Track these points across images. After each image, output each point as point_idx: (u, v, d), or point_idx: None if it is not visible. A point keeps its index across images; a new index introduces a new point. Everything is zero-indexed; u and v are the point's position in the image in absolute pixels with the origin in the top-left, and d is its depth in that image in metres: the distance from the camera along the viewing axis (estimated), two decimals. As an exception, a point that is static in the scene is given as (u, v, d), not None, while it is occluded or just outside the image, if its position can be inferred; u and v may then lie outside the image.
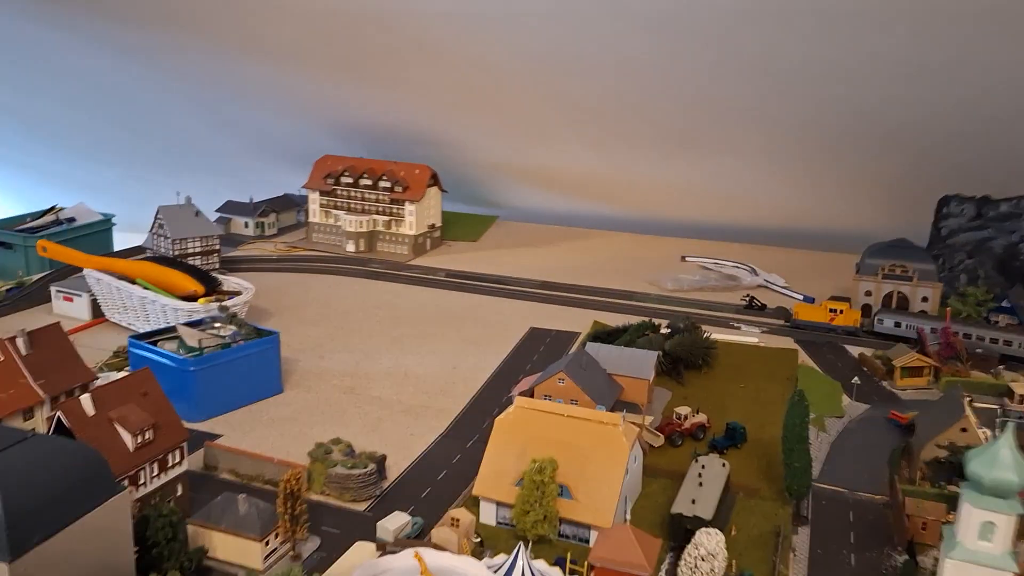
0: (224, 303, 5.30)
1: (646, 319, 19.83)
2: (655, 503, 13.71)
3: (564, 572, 11.35)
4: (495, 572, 9.60)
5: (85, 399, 4.42)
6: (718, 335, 21.14)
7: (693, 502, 12.87)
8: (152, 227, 5.72)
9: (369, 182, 7.27)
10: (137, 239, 6.98)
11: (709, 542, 11.73)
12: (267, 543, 5.87)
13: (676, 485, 13.62)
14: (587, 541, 12.68)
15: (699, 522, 12.42)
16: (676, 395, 17.81)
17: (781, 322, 24.06)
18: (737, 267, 26.86)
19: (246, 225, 6.99)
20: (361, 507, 4.69)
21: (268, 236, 7.18)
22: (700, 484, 13.47)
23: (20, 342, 3.97)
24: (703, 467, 14.02)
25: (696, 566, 11.26)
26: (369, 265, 6.43)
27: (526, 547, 10.15)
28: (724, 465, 14.30)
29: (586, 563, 11.86)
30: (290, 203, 7.82)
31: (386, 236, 6.99)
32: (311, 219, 7.20)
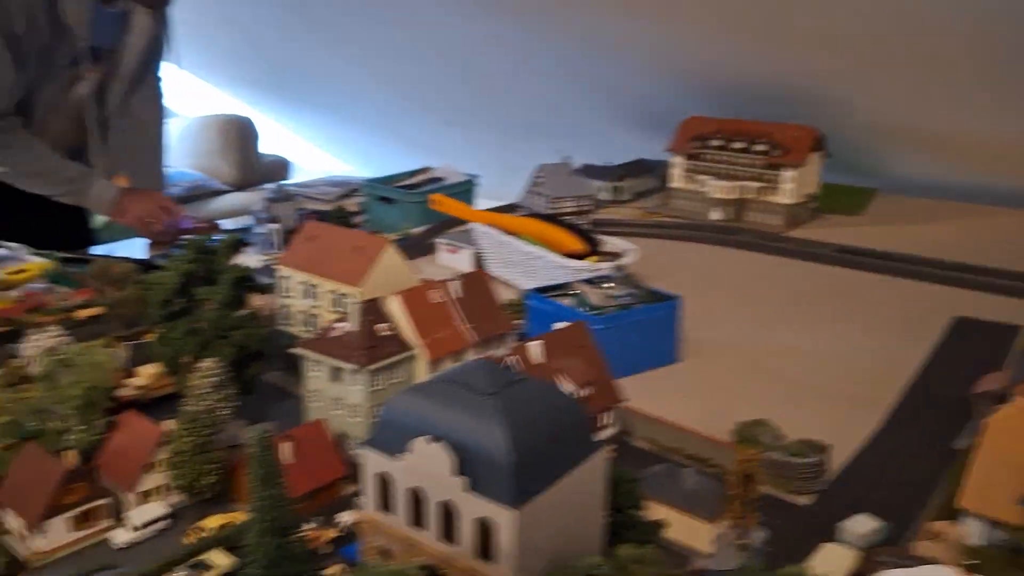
0: (619, 263, 3.45)
1: None
2: None
3: None
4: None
5: (535, 346, 2.04)
6: None
7: None
8: (530, 184, 4.49)
9: (742, 145, 5.16)
10: (486, 203, 5.61)
11: None
12: (717, 525, 2.65)
13: None
14: None
15: None
16: None
17: None
18: None
19: (602, 189, 5.59)
20: (801, 500, 2.06)
21: (624, 201, 5.58)
22: None
23: (454, 286, 2.26)
24: None
25: None
26: (738, 234, 4.48)
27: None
28: None
29: None
30: (645, 168, 6.15)
31: (757, 204, 4.88)
32: (672, 184, 5.40)
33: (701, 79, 5.22)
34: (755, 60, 4.92)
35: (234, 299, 2.10)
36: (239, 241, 2.13)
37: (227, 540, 1.67)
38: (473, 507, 1.32)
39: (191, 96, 7.60)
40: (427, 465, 1.35)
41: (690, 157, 4.69)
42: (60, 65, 3.47)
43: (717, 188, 4.52)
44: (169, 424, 1.81)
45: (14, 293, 3.19)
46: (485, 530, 1.32)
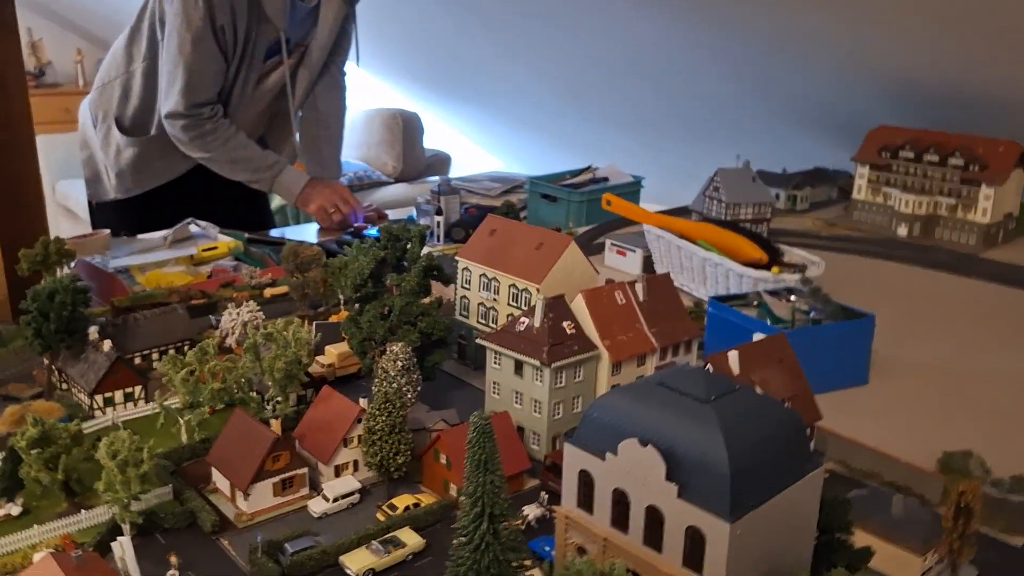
0: (807, 276, 3.31)
1: None
2: None
3: None
4: None
5: (732, 355, 2.05)
6: None
7: None
8: (706, 188, 4.39)
9: (935, 158, 4.77)
10: (649, 207, 5.47)
11: None
12: (925, 559, 2.46)
13: None
14: None
15: None
16: None
17: None
18: None
19: (777, 197, 5.33)
20: (1016, 541, 1.82)
21: (800, 210, 5.33)
22: None
23: (639, 288, 2.28)
24: None
25: None
26: (930, 252, 4.13)
27: None
28: None
29: None
30: (824, 177, 5.81)
31: (949, 221, 4.47)
32: (855, 195, 5.10)
33: (895, 85, 4.90)
34: (959, 66, 4.56)
35: (421, 287, 2.14)
36: (425, 231, 2.16)
37: (416, 520, 1.69)
38: (684, 515, 1.27)
39: (358, 89, 7.90)
40: (635, 467, 1.31)
41: (877, 168, 4.43)
42: (258, 56, 3.69)
43: (906, 202, 4.25)
44: (363, 403, 1.86)
45: (206, 268, 3.43)
46: (694, 540, 1.26)
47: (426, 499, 1.75)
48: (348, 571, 1.55)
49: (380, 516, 1.72)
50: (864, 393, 2.48)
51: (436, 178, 4.27)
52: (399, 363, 1.94)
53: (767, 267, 2.96)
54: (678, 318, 2.21)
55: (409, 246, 2.15)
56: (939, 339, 2.93)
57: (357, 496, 1.78)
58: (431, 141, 7.65)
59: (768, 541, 1.27)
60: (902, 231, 4.19)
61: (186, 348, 2.21)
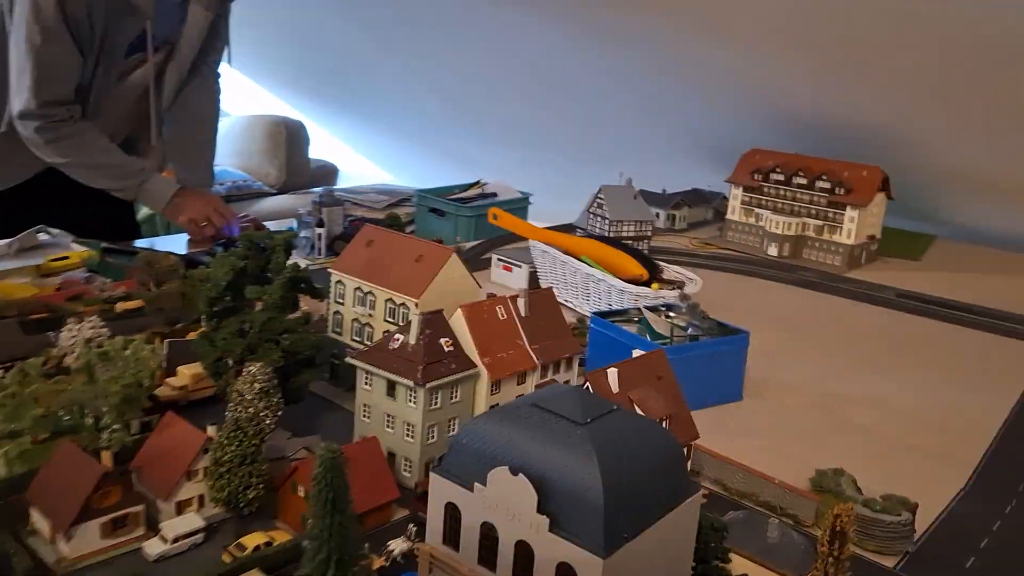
0: (685, 292, 3.34)
1: None
2: None
3: None
4: None
5: (612, 373, 1.94)
6: None
7: None
8: (590, 205, 4.39)
9: (804, 181, 5.03)
10: (536, 223, 5.36)
11: None
12: None
13: None
14: None
15: None
16: None
17: None
18: None
19: (657, 215, 5.45)
20: (888, 562, 1.86)
21: (679, 229, 5.45)
22: None
23: (521, 303, 2.14)
24: None
25: None
26: (799, 272, 4.35)
27: None
28: None
29: None
30: (701, 198, 5.98)
31: (816, 243, 4.74)
32: (729, 216, 5.30)
33: (770, 111, 5.08)
34: (828, 95, 4.77)
35: (286, 301, 1.98)
36: (292, 241, 2.01)
37: (268, 560, 1.53)
38: (555, 550, 1.17)
39: (237, 95, 7.58)
40: (505, 499, 1.20)
41: (749, 189, 4.57)
42: (118, 51, 3.41)
43: (775, 223, 4.40)
44: (211, 431, 1.68)
45: (55, 280, 3.12)
46: (566, 577, 1.16)
47: (280, 536, 1.58)
48: (184, 622, 1.36)
49: (226, 558, 1.54)
50: (738, 410, 2.49)
51: (320, 189, 4.08)
52: (257, 385, 1.76)
53: (647, 284, 2.96)
54: (560, 334, 2.14)
55: (273, 256, 1.98)
56: (808, 358, 3.01)
57: (201, 536, 1.59)
58: (317, 151, 7.40)
59: (646, 574, 1.19)
60: (772, 251, 4.35)
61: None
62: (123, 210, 4.17)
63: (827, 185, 4.26)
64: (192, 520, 1.61)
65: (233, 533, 1.63)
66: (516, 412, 1.29)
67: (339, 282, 2.33)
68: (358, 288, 2.28)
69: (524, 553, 1.20)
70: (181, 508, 1.64)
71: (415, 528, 1.64)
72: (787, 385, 2.69)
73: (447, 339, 1.91)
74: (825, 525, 1.66)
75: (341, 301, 2.34)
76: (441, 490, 1.28)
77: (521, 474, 1.18)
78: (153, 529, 1.61)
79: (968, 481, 2.20)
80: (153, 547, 1.56)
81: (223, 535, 1.64)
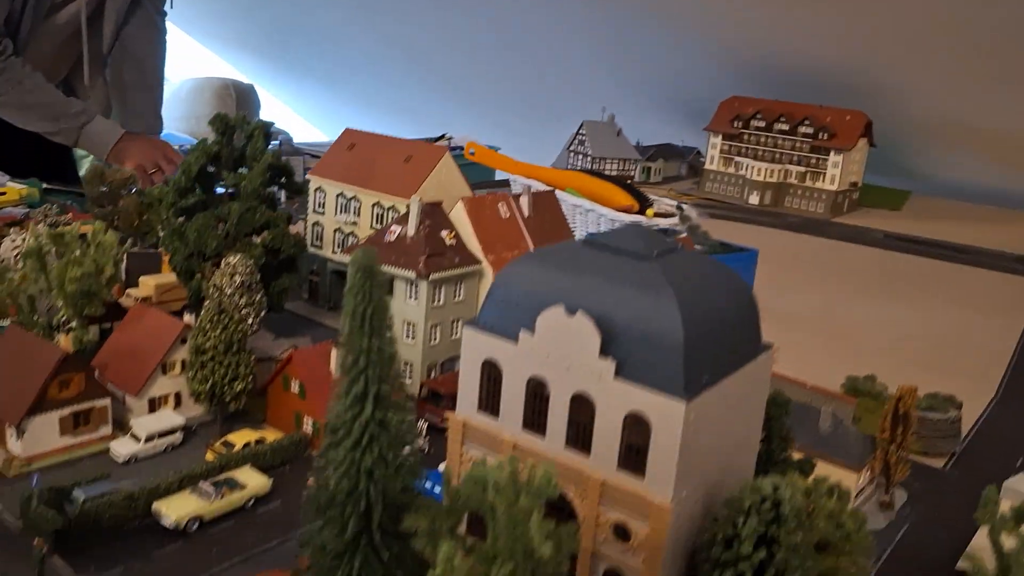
0: (687, 214, 3.26)
1: None
2: None
3: None
4: None
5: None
6: None
7: None
8: (570, 143, 4.38)
9: (786, 127, 5.03)
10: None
11: None
12: (860, 476, 2.30)
13: None
14: None
15: None
16: None
17: None
18: None
19: (632, 169, 5.46)
20: (936, 463, 1.80)
21: (654, 182, 5.45)
22: None
23: (524, 202, 2.00)
24: None
25: None
26: (782, 218, 4.44)
27: None
28: None
29: None
30: (674, 152, 6.00)
31: (799, 190, 4.74)
32: (708, 166, 5.27)
33: (749, 59, 4.97)
34: (806, 39, 4.67)
35: (267, 195, 1.75)
36: (271, 126, 1.78)
37: (259, 457, 1.31)
38: (622, 400, 0.98)
39: (184, 57, 7.20)
40: (560, 346, 1.01)
41: (729, 137, 4.46)
42: None
43: (757, 170, 4.30)
44: (188, 318, 1.45)
45: (-10, 212, 2.84)
46: (635, 432, 0.98)
47: (274, 435, 1.37)
48: (164, 521, 1.14)
49: (210, 456, 1.31)
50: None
51: (280, 137, 3.84)
52: (237, 278, 1.54)
53: (640, 212, 2.81)
54: (564, 237, 1.96)
55: (251, 142, 1.75)
56: (808, 289, 3.04)
57: (179, 435, 1.36)
58: (268, 114, 7.07)
59: (719, 438, 1.01)
60: (754, 199, 4.27)
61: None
62: (60, 156, 3.89)
63: (810, 130, 4.19)
64: (168, 417, 1.39)
65: (218, 435, 1.41)
66: (564, 252, 1.10)
67: (319, 189, 2.11)
68: (340, 193, 2.06)
69: (582, 409, 1.01)
70: (155, 406, 1.41)
71: (425, 426, 1.45)
72: (794, 311, 2.65)
73: (449, 231, 1.72)
74: (886, 410, 1.51)
75: (321, 210, 2.12)
76: (477, 347, 1.09)
77: (581, 312, 0.99)
78: (122, 429, 1.37)
79: (996, 393, 2.14)
80: (123, 447, 1.33)
81: (205, 438, 1.42)
